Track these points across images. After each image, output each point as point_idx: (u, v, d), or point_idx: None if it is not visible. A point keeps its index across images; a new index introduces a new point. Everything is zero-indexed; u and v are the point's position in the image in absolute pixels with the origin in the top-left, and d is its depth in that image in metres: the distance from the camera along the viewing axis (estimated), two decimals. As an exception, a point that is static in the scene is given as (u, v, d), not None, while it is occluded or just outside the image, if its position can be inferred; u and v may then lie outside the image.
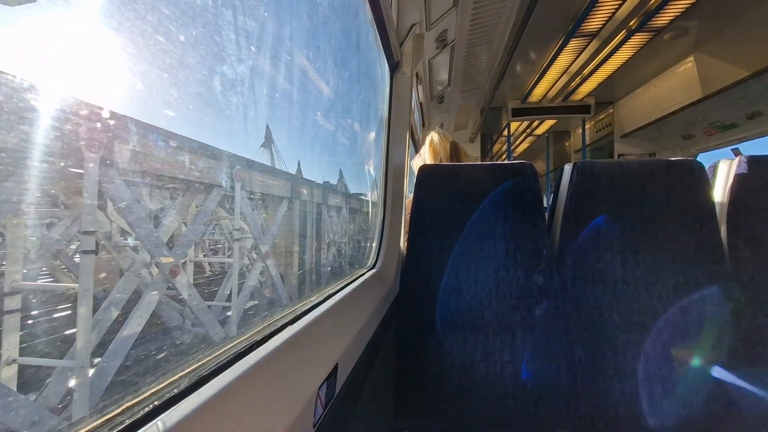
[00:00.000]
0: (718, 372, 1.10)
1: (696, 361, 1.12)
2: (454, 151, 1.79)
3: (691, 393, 1.10)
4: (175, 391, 0.38)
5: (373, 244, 1.38)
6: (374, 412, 1.04)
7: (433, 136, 1.83)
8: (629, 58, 2.96)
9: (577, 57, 2.96)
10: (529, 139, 5.88)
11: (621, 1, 2.22)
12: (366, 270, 1.25)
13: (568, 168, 1.33)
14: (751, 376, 1.09)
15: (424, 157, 1.82)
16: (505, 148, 4.81)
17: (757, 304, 1.17)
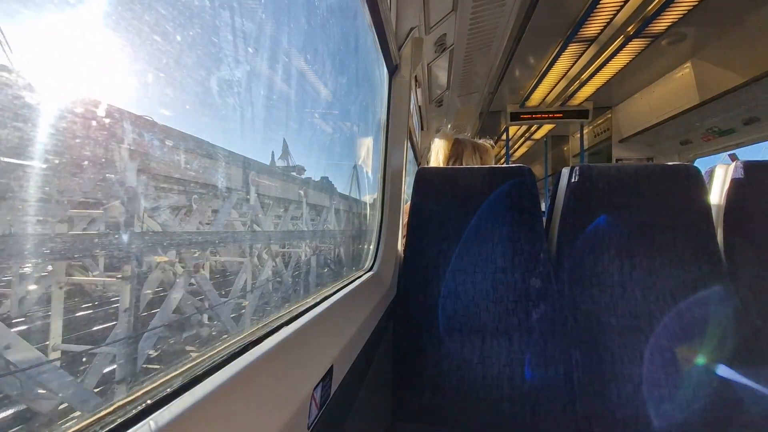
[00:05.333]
0: (715, 375, 1.10)
1: (693, 365, 1.12)
2: (457, 148, 1.75)
3: (688, 396, 1.10)
4: (168, 390, 0.38)
5: (371, 246, 1.38)
6: (371, 415, 1.04)
7: (435, 142, 1.82)
8: (627, 63, 2.99)
9: (576, 62, 2.98)
10: (528, 143, 5.91)
11: (619, 7, 2.24)
12: (363, 272, 1.25)
13: (565, 171, 1.33)
14: (748, 380, 1.09)
15: (438, 162, 1.80)
16: (503, 152, 4.83)
17: (754, 307, 1.17)
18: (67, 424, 0.32)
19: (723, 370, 1.10)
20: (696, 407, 1.09)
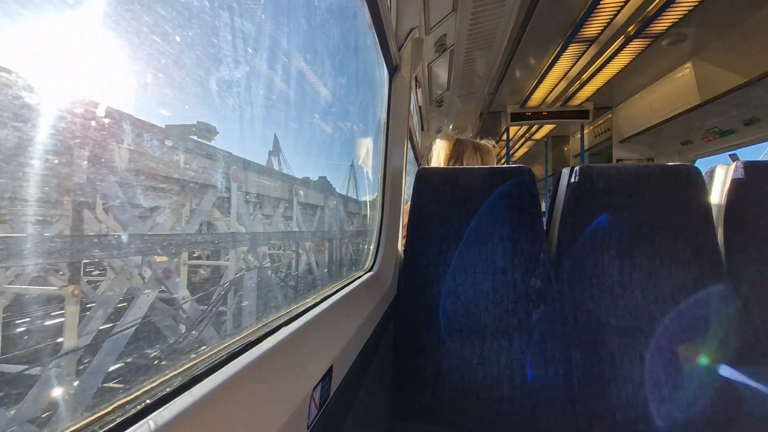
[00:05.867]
0: (716, 376, 1.10)
1: (694, 365, 1.12)
2: (457, 148, 1.76)
3: (689, 397, 1.10)
4: (168, 390, 0.38)
5: (371, 247, 1.38)
6: (370, 415, 1.04)
7: (436, 142, 1.83)
8: (628, 63, 2.98)
9: (576, 62, 2.98)
10: (528, 143, 5.90)
11: (619, 7, 2.24)
12: (363, 272, 1.25)
13: (565, 172, 1.33)
14: (749, 380, 1.09)
15: (439, 162, 1.80)
16: (503, 152, 4.83)
17: (754, 308, 1.17)
18: (67, 425, 0.32)
19: (724, 371, 1.10)
20: (697, 408, 1.09)
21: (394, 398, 1.20)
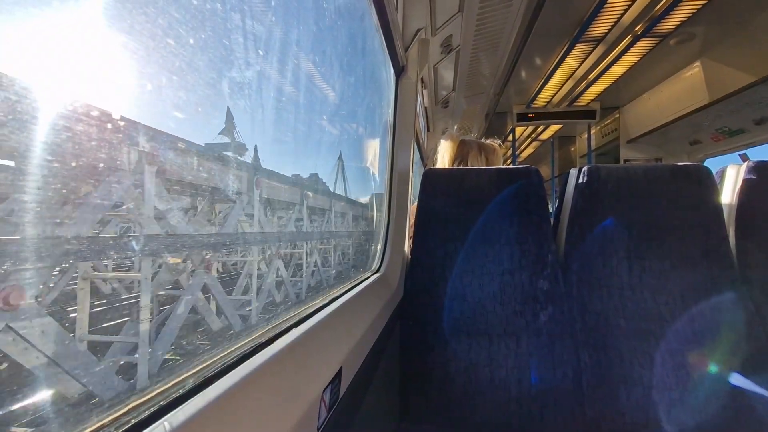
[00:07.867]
0: (725, 379, 1.09)
1: (704, 368, 1.11)
2: (462, 149, 1.74)
3: (698, 400, 1.08)
4: (181, 391, 0.38)
5: (377, 248, 1.38)
6: (378, 416, 1.04)
7: (441, 143, 1.82)
8: (635, 63, 2.96)
9: (583, 62, 2.96)
10: (534, 144, 5.88)
11: (627, 7, 2.22)
12: (370, 274, 1.25)
13: (573, 172, 1.32)
14: (760, 384, 1.07)
15: (444, 164, 1.79)
16: (510, 152, 4.81)
17: (766, 311, 1.15)
18: (83, 426, 0.32)
19: (735, 374, 1.09)
20: (707, 412, 1.07)
21: (401, 399, 1.20)
